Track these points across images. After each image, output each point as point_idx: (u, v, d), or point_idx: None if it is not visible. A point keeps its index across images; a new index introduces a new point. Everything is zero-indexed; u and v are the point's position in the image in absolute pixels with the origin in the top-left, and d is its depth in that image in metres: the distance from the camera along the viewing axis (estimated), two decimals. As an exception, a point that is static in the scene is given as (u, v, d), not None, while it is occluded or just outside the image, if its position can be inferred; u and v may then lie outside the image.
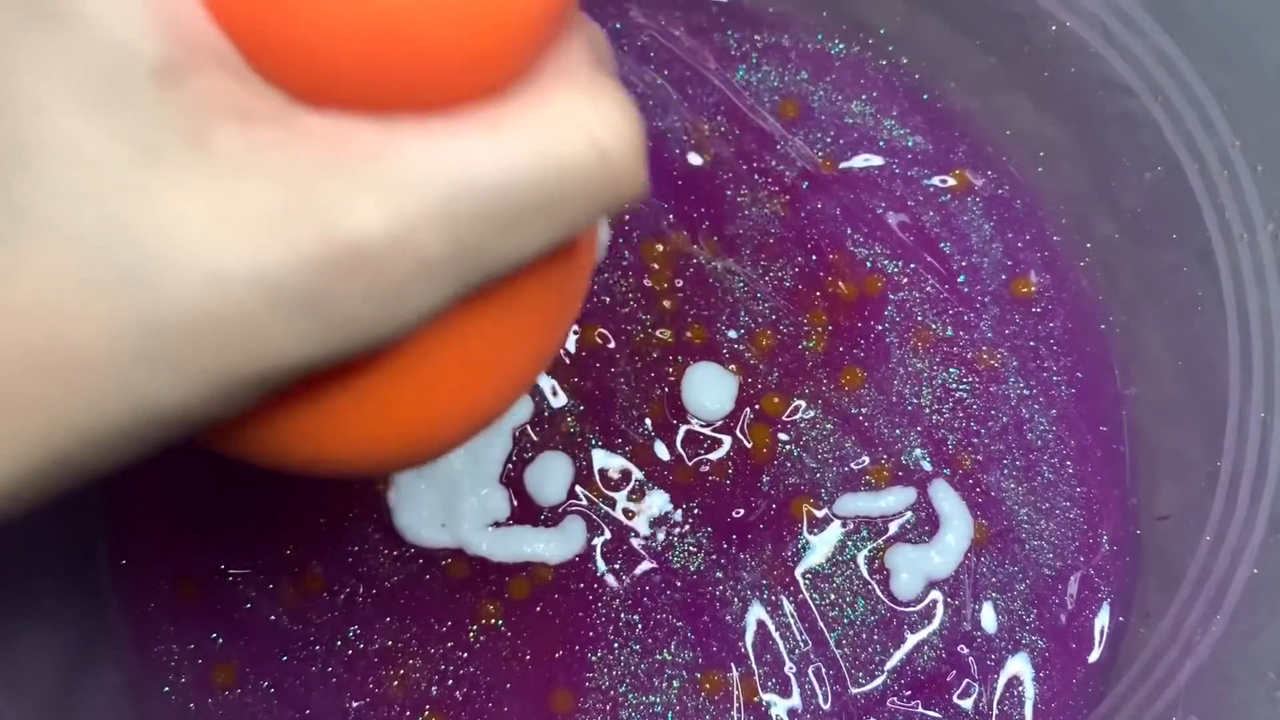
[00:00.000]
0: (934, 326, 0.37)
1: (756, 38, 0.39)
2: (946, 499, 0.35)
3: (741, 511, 0.35)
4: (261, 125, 0.13)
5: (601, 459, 0.35)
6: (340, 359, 0.14)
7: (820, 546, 0.35)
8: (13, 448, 0.13)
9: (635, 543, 0.34)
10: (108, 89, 0.12)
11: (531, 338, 0.17)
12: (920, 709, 0.34)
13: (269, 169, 0.13)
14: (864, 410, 0.36)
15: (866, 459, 0.35)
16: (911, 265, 0.37)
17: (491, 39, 0.14)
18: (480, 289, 0.14)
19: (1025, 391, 0.37)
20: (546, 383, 0.35)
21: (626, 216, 0.37)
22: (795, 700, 0.33)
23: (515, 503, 0.34)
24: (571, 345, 0.36)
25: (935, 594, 0.34)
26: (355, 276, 0.13)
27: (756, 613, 0.34)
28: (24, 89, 0.12)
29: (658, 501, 0.35)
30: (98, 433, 0.13)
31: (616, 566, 0.34)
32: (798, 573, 0.34)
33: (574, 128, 0.14)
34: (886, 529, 0.35)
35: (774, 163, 0.38)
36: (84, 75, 0.12)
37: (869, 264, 0.37)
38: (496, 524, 0.34)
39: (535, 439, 0.35)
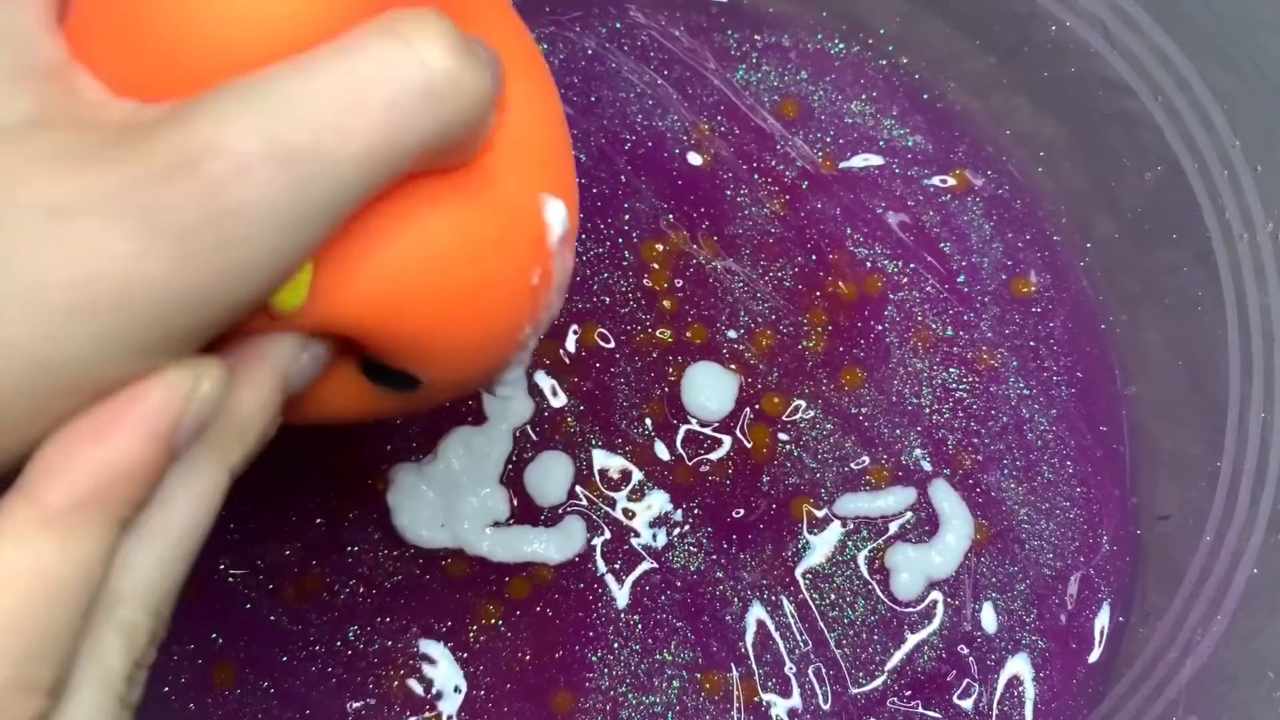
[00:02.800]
0: (934, 326, 0.37)
1: (756, 38, 0.39)
2: (946, 499, 0.35)
3: (741, 511, 0.35)
4: (97, 113, 0.16)
5: (601, 459, 0.35)
6: (233, 298, 0.15)
7: (820, 546, 0.35)
8: None
9: (635, 543, 0.34)
10: None
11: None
12: (920, 709, 0.34)
13: (95, 138, 0.15)
14: (864, 410, 0.36)
15: (866, 459, 0.35)
16: (911, 265, 0.37)
17: (292, 12, 0.16)
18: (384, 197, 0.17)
19: (1025, 391, 0.37)
20: (546, 382, 0.35)
21: (626, 216, 0.37)
22: (795, 700, 0.33)
23: (515, 503, 0.34)
24: (571, 345, 0.36)
25: (935, 594, 0.34)
26: (173, 184, 0.14)
27: (756, 613, 0.34)
28: None
29: (658, 501, 0.35)
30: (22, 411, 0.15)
31: (616, 566, 0.34)
32: (798, 573, 0.34)
33: (381, 33, 0.16)
34: (886, 529, 0.35)
35: (774, 162, 0.38)
36: None
37: (869, 264, 0.37)
38: (496, 524, 0.34)
39: (535, 439, 0.35)
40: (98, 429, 0.15)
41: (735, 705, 0.33)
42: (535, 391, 0.35)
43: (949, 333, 0.37)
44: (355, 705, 0.33)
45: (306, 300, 0.18)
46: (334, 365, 0.20)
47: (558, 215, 0.21)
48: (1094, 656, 0.35)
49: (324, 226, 0.16)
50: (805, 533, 0.35)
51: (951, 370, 0.37)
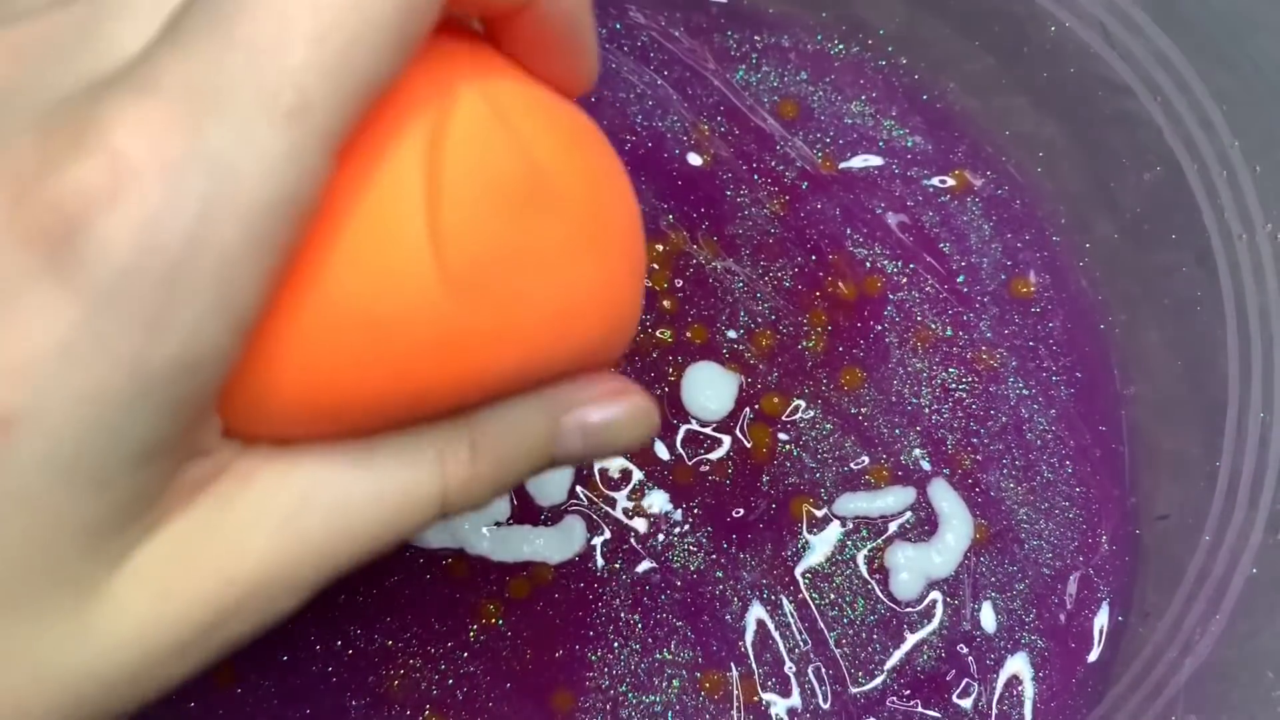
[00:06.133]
0: (933, 326, 0.37)
1: (756, 38, 0.39)
2: (946, 499, 0.35)
3: (741, 511, 0.35)
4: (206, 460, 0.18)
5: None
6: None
7: (820, 546, 0.35)
8: None
9: (635, 542, 0.34)
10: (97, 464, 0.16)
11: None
12: (920, 708, 0.34)
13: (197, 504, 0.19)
14: (863, 410, 0.36)
15: (866, 459, 0.35)
16: (911, 265, 0.37)
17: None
18: None
19: (1024, 391, 0.37)
20: (546, 382, 0.35)
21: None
22: (795, 700, 0.33)
23: (515, 502, 0.34)
24: (571, 345, 0.36)
25: (935, 593, 0.34)
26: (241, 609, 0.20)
27: (756, 612, 0.34)
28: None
29: (658, 501, 0.35)
30: None
31: (616, 566, 0.34)
32: (797, 572, 0.34)
33: (422, 470, 0.20)
34: (886, 529, 0.35)
35: (773, 163, 0.38)
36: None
37: (868, 264, 0.37)
38: (497, 523, 0.34)
39: (535, 439, 0.35)
40: None
41: (735, 704, 0.33)
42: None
43: (948, 333, 0.37)
44: (356, 704, 0.33)
45: None
46: None
47: None
48: (1093, 656, 0.35)
49: None
50: (805, 532, 0.35)
51: (951, 370, 0.37)
